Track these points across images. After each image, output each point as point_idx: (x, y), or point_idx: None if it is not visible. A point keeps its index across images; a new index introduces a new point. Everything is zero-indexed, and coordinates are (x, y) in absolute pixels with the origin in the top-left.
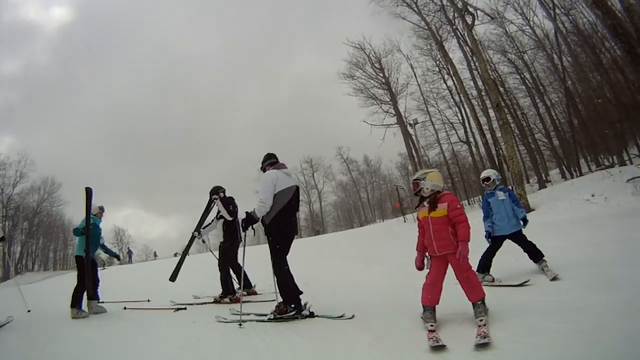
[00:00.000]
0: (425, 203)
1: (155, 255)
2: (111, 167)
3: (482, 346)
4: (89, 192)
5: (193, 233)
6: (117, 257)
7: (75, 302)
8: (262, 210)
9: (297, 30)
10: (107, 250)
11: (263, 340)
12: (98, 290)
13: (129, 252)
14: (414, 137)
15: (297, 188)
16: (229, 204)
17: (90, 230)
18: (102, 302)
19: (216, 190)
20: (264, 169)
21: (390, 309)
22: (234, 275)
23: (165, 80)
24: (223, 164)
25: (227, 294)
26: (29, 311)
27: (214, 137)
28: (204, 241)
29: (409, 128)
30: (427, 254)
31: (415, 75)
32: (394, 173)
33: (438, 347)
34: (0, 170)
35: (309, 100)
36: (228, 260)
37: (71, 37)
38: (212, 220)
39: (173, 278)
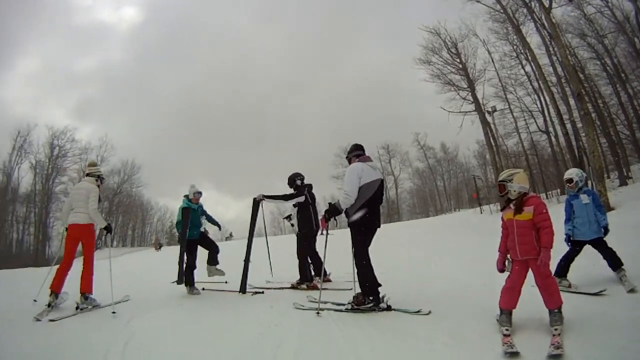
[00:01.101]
0: (511, 205)
1: (230, 235)
2: (187, 152)
3: (554, 357)
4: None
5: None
6: (219, 226)
7: (191, 281)
8: (347, 202)
9: (365, 17)
10: (211, 220)
11: (341, 331)
12: (218, 255)
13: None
14: (492, 125)
15: (382, 181)
16: (306, 190)
17: (193, 218)
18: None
19: (293, 178)
20: (349, 160)
21: (465, 307)
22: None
23: (236, 72)
24: (296, 150)
25: (304, 280)
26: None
27: (286, 124)
28: (292, 224)
29: (487, 116)
30: (508, 256)
31: (492, 60)
32: (471, 162)
33: (512, 354)
34: (83, 155)
35: (383, 87)
36: (306, 247)
37: (142, 34)
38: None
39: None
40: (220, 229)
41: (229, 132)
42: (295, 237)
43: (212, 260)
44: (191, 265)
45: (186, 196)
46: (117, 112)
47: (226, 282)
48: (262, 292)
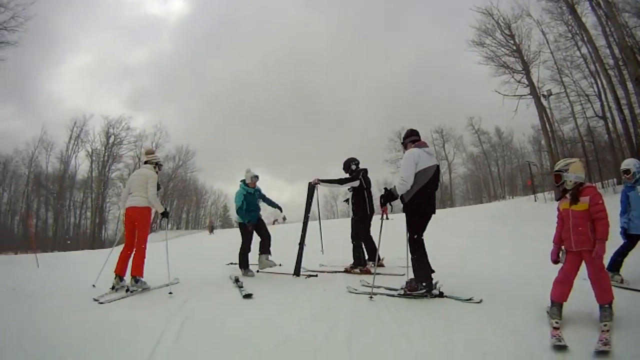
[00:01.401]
0: (567, 195)
1: (284, 219)
2: (240, 137)
3: (601, 353)
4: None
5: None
6: (279, 207)
7: (244, 264)
8: (403, 188)
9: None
10: (269, 203)
11: (393, 316)
12: (270, 246)
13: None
14: (547, 110)
15: (438, 167)
16: (361, 175)
17: (250, 202)
18: (233, 264)
19: (349, 163)
20: (405, 145)
21: (516, 297)
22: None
23: (286, 59)
24: (348, 135)
25: (358, 264)
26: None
27: (338, 109)
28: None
29: (542, 99)
30: (562, 247)
31: (547, 41)
32: (526, 147)
33: (560, 347)
34: (138, 142)
35: (434, 71)
36: (360, 231)
37: (191, 25)
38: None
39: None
40: (281, 210)
41: (281, 118)
42: (350, 221)
43: (265, 250)
44: (246, 248)
45: (243, 181)
46: (169, 100)
47: (280, 265)
48: (316, 276)
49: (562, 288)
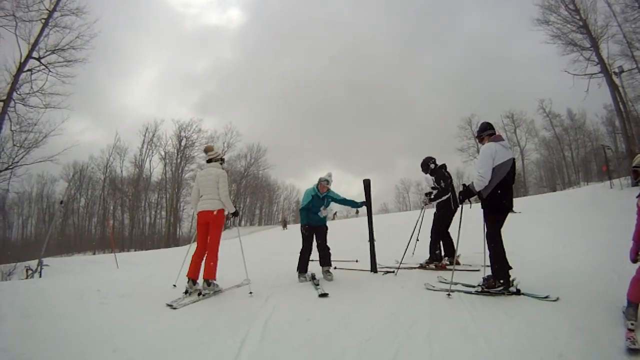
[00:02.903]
0: None
1: (357, 213)
2: (308, 134)
3: None
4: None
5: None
6: (352, 203)
7: (300, 267)
8: (481, 184)
9: None
10: (344, 202)
11: (470, 314)
12: (330, 258)
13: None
14: (620, 88)
15: (514, 160)
16: (442, 172)
17: (315, 205)
18: (314, 260)
19: (427, 163)
20: (481, 138)
21: (593, 294)
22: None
23: (345, 56)
24: (413, 126)
25: (433, 260)
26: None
27: (400, 102)
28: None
29: (614, 77)
30: None
31: (613, 13)
32: (600, 129)
33: (634, 350)
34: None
35: (496, 55)
36: (440, 227)
37: (250, 31)
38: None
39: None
40: (355, 207)
41: (346, 113)
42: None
43: (325, 262)
44: (305, 252)
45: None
46: (236, 103)
47: (357, 261)
48: (393, 272)
49: (639, 288)
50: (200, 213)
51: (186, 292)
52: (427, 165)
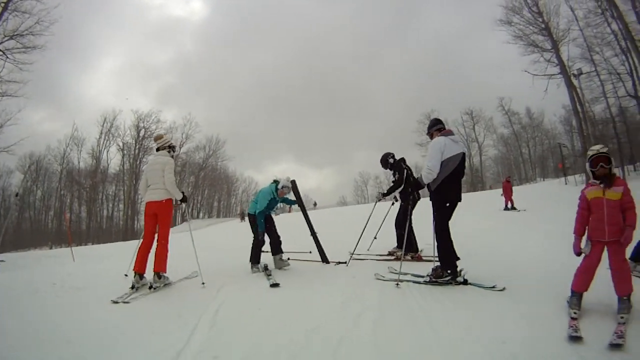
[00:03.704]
0: (599, 184)
1: (314, 204)
2: (267, 127)
3: (615, 346)
4: (293, 184)
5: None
6: (290, 203)
7: (253, 258)
8: (429, 177)
9: None
10: (290, 201)
11: (418, 303)
12: (281, 245)
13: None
14: (578, 90)
15: (464, 155)
16: (400, 165)
17: (272, 206)
18: (267, 252)
19: (385, 159)
20: (431, 134)
21: (539, 284)
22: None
23: (307, 50)
24: (372, 121)
25: (410, 250)
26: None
27: (360, 98)
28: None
29: (572, 79)
30: (585, 237)
31: (576, 18)
32: (557, 128)
33: (575, 338)
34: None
35: (457, 54)
36: (407, 218)
37: (212, 24)
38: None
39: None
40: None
41: (306, 107)
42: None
43: (276, 251)
44: (258, 243)
45: (276, 182)
46: (197, 95)
47: (310, 252)
48: (345, 263)
49: (584, 278)
50: (148, 204)
51: (133, 287)
52: (387, 160)
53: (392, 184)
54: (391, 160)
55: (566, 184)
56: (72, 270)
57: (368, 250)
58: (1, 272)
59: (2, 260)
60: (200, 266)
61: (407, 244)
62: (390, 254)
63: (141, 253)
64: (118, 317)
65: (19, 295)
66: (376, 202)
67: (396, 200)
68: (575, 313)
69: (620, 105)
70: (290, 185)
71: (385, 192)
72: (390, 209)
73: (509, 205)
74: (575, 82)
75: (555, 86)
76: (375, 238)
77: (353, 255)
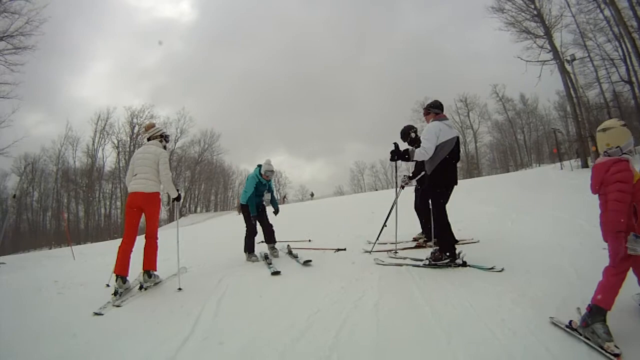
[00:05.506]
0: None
1: (312, 195)
2: (260, 121)
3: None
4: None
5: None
6: (276, 210)
7: (247, 248)
8: (421, 156)
9: None
10: (273, 200)
11: (417, 285)
12: (274, 234)
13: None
14: (571, 75)
15: (458, 139)
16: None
17: (261, 191)
18: (261, 242)
19: (407, 131)
20: (427, 112)
21: (537, 266)
22: None
23: (294, 48)
24: (363, 113)
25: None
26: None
27: (348, 91)
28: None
29: (566, 65)
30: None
31: (568, 4)
32: (551, 114)
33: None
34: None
35: (448, 41)
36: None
37: (201, 23)
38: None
39: None
40: (276, 214)
41: (297, 101)
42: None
43: (270, 240)
44: (251, 232)
45: (259, 166)
46: (189, 93)
47: (309, 241)
48: (345, 250)
49: (617, 287)
50: (132, 195)
51: (115, 294)
52: (408, 133)
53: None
54: (413, 135)
55: (562, 168)
56: (73, 268)
57: (377, 239)
58: (3, 273)
59: (2, 263)
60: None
61: (428, 230)
62: (414, 240)
63: (122, 252)
64: (121, 310)
65: (23, 293)
66: (403, 187)
67: (406, 184)
68: (617, 347)
69: (614, 90)
70: (273, 168)
71: (411, 174)
72: (400, 194)
73: None
74: (568, 68)
75: (548, 72)
76: (385, 225)
77: (374, 246)
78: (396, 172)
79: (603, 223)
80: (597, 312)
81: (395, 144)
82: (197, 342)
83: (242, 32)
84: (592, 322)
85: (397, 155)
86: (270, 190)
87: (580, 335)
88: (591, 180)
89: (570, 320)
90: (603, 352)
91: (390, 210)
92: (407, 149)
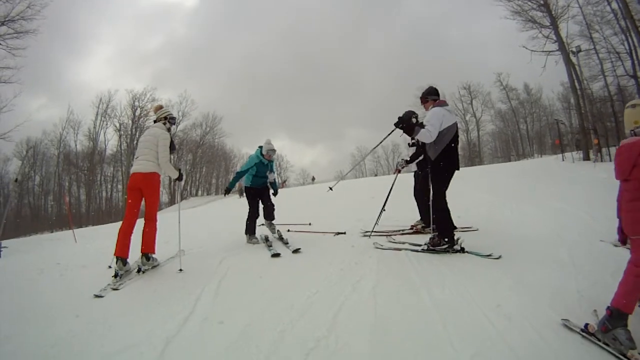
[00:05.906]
0: None
1: (313, 179)
2: (262, 105)
3: None
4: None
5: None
6: (276, 192)
7: (248, 230)
8: (424, 137)
9: None
10: (273, 182)
11: (415, 269)
12: (274, 212)
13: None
14: (576, 67)
15: (456, 123)
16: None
17: (260, 170)
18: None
19: (409, 116)
20: (425, 100)
21: (534, 254)
22: None
23: (296, 33)
24: (363, 97)
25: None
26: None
27: (349, 76)
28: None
29: (571, 56)
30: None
31: None
32: (555, 104)
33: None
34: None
35: (455, 31)
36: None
37: (204, 6)
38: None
39: None
40: (275, 195)
41: (299, 86)
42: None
43: (268, 216)
44: (253, 214)
45: (260, 147)
46: (191, 77)
47: (310, 224)
48: (344, 233)
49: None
50: (133, 175)
51: (116, 276)
52: (410, 119)
53: (409, 146)
54: (414, 121)
55: (563, 160)
56: (75, 251)
57: (376, 224)
58: (5, 256)
59: (4, 247)
60: (201, 242)
61: (428, 217)
62: (412, 227)
63: (122, 234)
64: (123, 291)
65: (25, 275)
66: (400, 171)
67: (402, 168)
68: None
69: (618, 84)
70: (274, 147)
71: (409, 159)
72: (397, 178)
73: None
74: (573, 59)
75: (553, 63)
76: (384, 210)
77: (372, 232)
78: (389, 135)
79: (630, 212)
80: (618, 316)
81: (410, 111)
82: (198, 322)
83: (244, 15)
84: (614, 327)
85: (404, 123)
86: (272, 171)
87: (599, 340)
88: (616, 165)
89: (587, 324)
90: None
91: (389, 195)
92: (415, 123)
